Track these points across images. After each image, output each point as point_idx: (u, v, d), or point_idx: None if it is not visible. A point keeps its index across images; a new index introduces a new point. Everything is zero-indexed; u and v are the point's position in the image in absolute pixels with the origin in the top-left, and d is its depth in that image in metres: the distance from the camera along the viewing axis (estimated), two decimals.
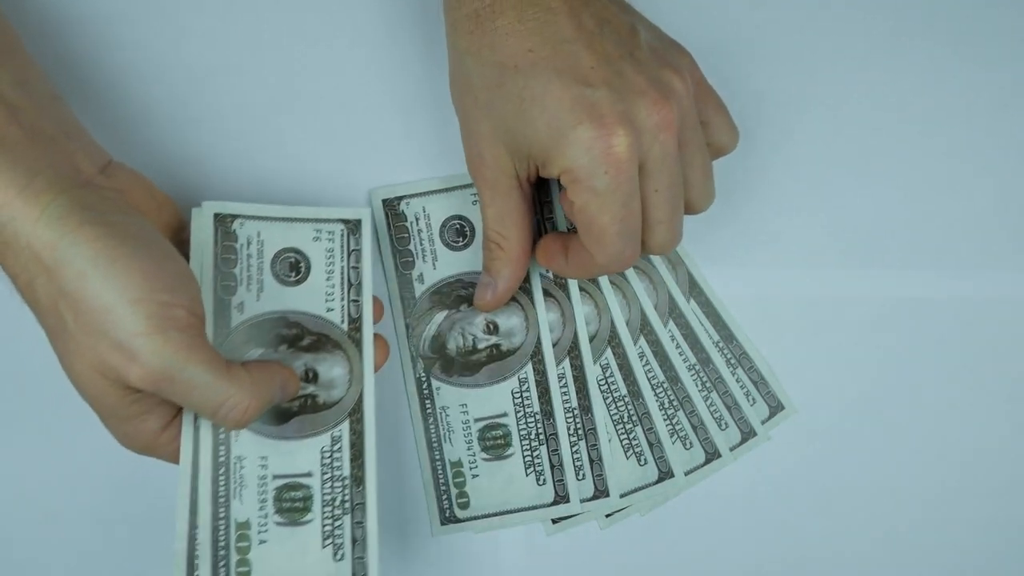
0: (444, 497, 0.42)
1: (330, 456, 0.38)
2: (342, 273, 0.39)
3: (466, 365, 0.43)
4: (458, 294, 0.43)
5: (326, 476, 0.37)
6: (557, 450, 0.43)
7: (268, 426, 0.37)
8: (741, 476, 0.44)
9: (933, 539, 0.44)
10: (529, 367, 0.42)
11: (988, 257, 0.45)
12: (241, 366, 0.35)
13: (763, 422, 0.44)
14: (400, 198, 0.43)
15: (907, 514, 0.44)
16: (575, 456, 0.43)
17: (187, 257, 0.37)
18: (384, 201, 0.43)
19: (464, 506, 0.42)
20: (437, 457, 0.42)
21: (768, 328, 0.45)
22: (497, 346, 0.43)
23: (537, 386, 0.43)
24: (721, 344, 0.45)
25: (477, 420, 0.42)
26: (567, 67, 0.34)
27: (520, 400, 0.42)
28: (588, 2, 0.36)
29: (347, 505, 0.37)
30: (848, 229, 0.45)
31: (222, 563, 0.36)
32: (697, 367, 0.44)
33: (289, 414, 0.38)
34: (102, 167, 0.35)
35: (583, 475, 0.43)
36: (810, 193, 0.45)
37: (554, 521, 0.43)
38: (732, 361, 0.45)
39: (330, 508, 0.37)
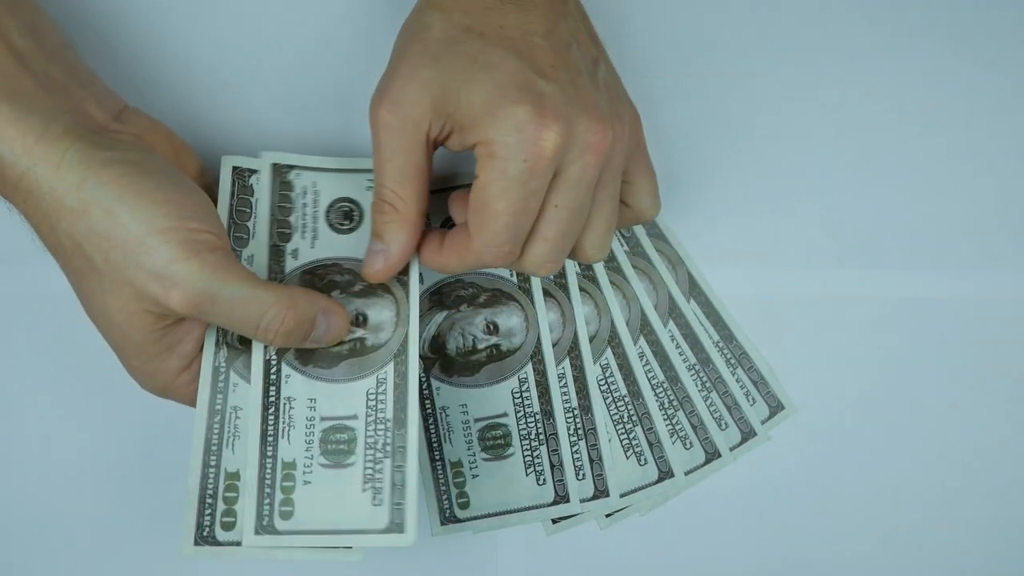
0: (444, 497, 0.42)
1: (375, 398, 0.38)
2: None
3: (466, 365, 0.43)
4: (457, 294, 0.43)
5: (370, 418, 0.37)
6: (557, 450, 0.43)
7: (319, 368, 0.38)
8: (741, 476, 0.44)
9: (933, 539, 0.44)
10: (529, 367, 0.42)
11: (988, 257, 0.45)
12: (281, 284, 0.36)
13: (763, 422, 0.44)
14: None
15: (907, 514, 0.44)
16: (575, 456, 0.43)
17: (215, 201, 0.38)
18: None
19: (464, 506, 0.42)
20: (437, 457, 0.42)
21: (768, 328, 0.45)
22: (497, 346, 0.43)
23: (537, 386, 0.43)
24: (721, 344, 0.45)
25: (477, 420, 0.42)
26: (529, 54, 0.34)
27: (520, 400, 0.42)
28: (567, 16, 0.36)
29: (388, 448, 0.37)
30: (848, 229, 0.45)
31: (267, 501, 0.36)
32: (697, 367, 0.44)
33: (340, 357, 0.38)
34: (116, 114, 0.36)
35: (583, 475, 0.43)
36: (810, 193, 0.45)
37: (554, 521, 0.43)
38: (732, 361, 0.45)
39: (372, 451, 0.37)
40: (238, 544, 0.36)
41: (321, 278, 0.39)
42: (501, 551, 0.43)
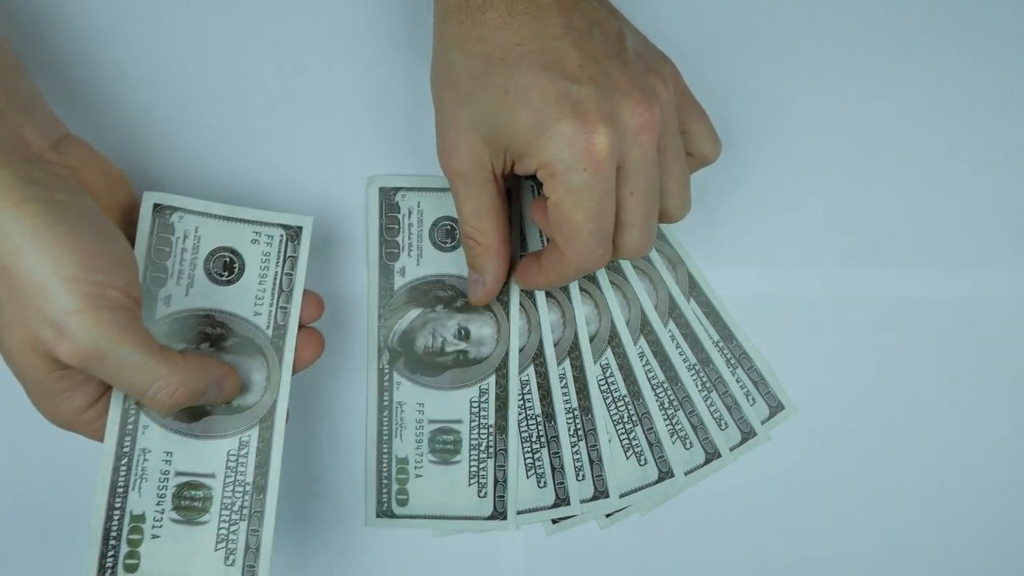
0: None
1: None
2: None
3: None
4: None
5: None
6: (558, 452, 0.43)
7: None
8: (741, 476, 0.44)
9: (933, 539, 0.44)
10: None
11: (988, 257, 0.45)
12: (177, 352, 0.35)
13: (763, 422, 0.44)
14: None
15: (907, 514, 0.44)
16: (575, 457, 0.43)
17: (133, 240, 0.37)
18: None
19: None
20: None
21: (768, 328, 0.45)
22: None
23: (539, 388, 0.43)
24: (721, 344, 0.45)
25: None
26: (554, 62, 0.34)
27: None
28: (578, 2, 0.36)
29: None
30: (848, 229, 0.45)
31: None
32: (697, 367, 0.44)
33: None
34: (55, 142, 0.35)
35: (583, 476, 0.43)
36: (810, 193, 0.45)
37: (554, 521, 0.43)
38: (732, 361, 0.45)
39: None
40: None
41: (425, 293, 0.42)
42: (501, 551, 0.43)
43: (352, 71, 0.44)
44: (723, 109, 0.45)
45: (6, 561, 0.42)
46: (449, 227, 0.43)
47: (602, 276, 0.44)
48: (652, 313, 0.44)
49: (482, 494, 0.42)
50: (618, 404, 0.44)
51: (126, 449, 0.37)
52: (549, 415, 0.43)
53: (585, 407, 0.43)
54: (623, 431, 0.43)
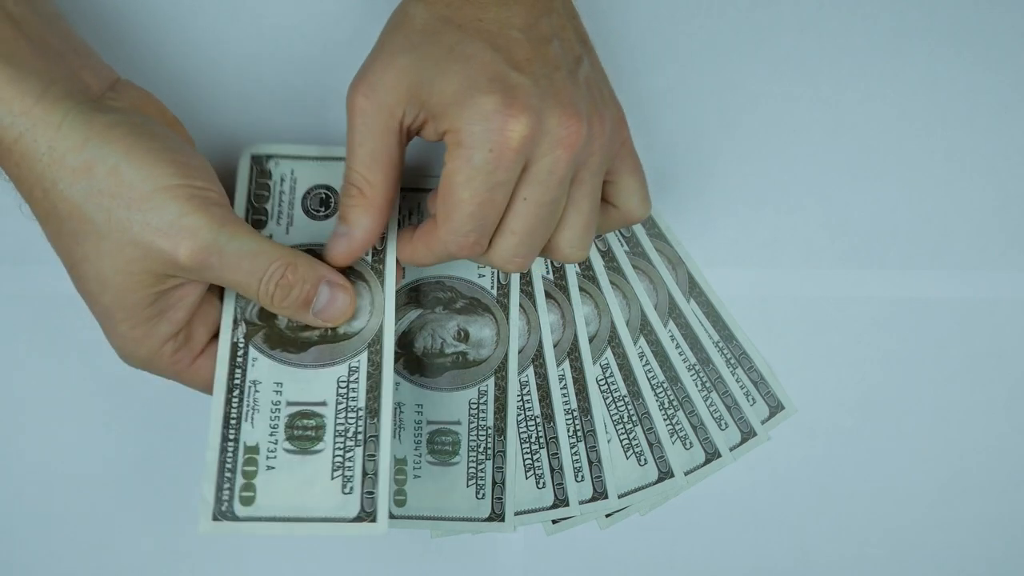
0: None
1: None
2: None
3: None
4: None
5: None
6: (557, 453, 0.43)
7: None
8: (741, 476, 0.44)
9: (933, 539, 0.44)
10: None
11: (988, 258, 0.45)
12: (286, 246, 0.36)
13: (763, 422, 0.44)
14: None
15: (907, 514, 0.44)
16: (574, 458, 0.43)
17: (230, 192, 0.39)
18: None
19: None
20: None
21: (768, 328, 0.45)
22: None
23: (538, 389, 0.43)
24: (721, 344, 0.45)
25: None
26: (504, 47, 0.34)
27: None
28: (551, 12, 0.36)
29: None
30: (848, 229, 0.45)
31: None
32: (697, 367, 0.44)
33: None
34: (111, 84, 0.36)
35: (582, 477, 0.43)
36: (810, 193, 0.45)
37: (554, 522, 0.43)
38: (732, 361, 0.45)
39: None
40: (258, 520, 0.35)
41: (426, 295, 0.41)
42: (501, 551, 0.43)
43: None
44: (723, 110, 0.45)
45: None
46: (324, 195, 0.40)
47: (602, 276, 0.44)
48: (652, 313, 0.44)
49: (480, 495, 0.42)
50: (618, 404, 0.44)
51: (237, 381, 0.37)
52: (548, 416, 0.43)
53: (584, 408, 0.43)
54: (623, 431, 0.44)
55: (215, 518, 0.35)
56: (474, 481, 0.42)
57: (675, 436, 0.44)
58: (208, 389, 0.37)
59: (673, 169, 0.45)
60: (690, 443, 0.44)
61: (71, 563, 0.43)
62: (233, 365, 0.37)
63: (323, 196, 0.40)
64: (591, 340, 0.44)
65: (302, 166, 0.40)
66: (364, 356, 0.37)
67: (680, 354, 0.44)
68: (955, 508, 0.44)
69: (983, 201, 0.45)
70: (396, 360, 0.42)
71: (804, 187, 0.45)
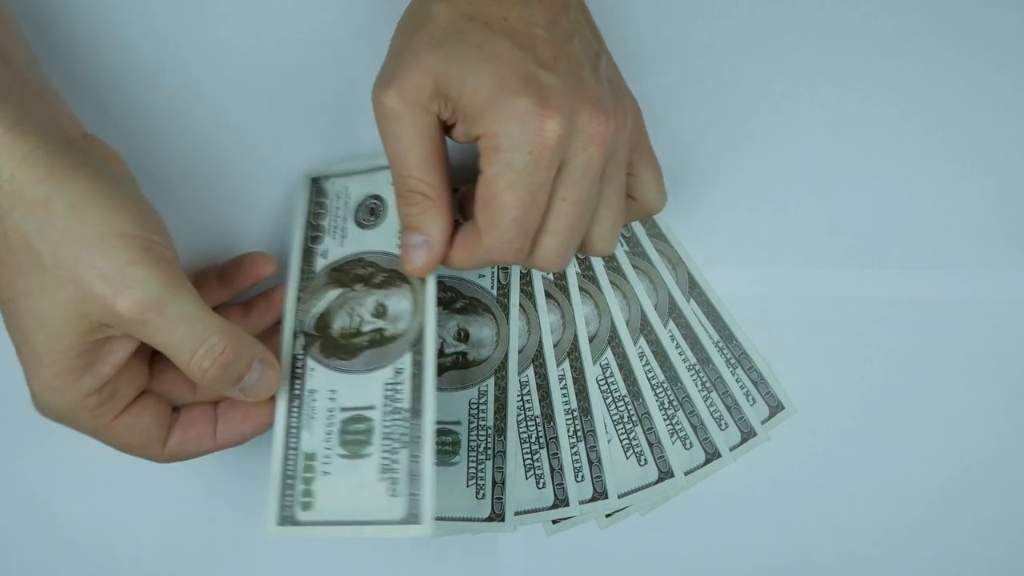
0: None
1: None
2: None
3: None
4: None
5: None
6: (557, 453, 0.43)
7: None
8: (741, 476, 0.44)
9: (933, 539, 0.44)
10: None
11: (988, 257, 0.45)
12: (224, 319, 0.34)
13: (763, 422, 0.44)
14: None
15: (907, 514, 0.44)
16: (574, 458, 0.43)
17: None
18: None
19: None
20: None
21: (768, 328, 0.45)
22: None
23: (538, 389, 0.43)
24: (721, 344, 0.45)
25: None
26: (531, 46, 0.34)
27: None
28: (568, 9, 0.36)
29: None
30: (848, 229, 0.45)
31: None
32: (697, 367, 0.44)
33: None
34: (82, 134, 0.36)
35: (582, 477, 0.43)
36: (810, 193, 0.45)
37: (554, 522, 0.43)
38: (732, 361, 0.45)
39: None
40: (316, 524, 0.36)
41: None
42: (501, 551, 0.43)
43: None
44: (723, 109, 0.45)
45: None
46: (372, 205, 0.41)
47: (602, 276, 0.44)
48: (652, 313, 0.44)
49: (480, 495, 0.42)
50: (618, 404, 0.44)
51: (296, 391, 0.38)
52: (548, 416, 0.43)
53: (584, 408, 0.43)
54: (623, 431, 0.44)
55: (280, 523, 0.36)
56: (474, 481, 0.42)
57: (675, 436, 0.44)
58: (127, 449, 0.36)
59: (673, 169, 0.45)
60: (690, 443, 0.44)
61: (72, 563, 0.43)
62: (293, 376, 0.38)
63: (372, 206, 0.41)
64: (591, 340, 0.44)
65: (354, 181, 0.41)
66: (408, 357, 0.38)
67: (680, 354, 0.44)
68: (955, 508, 0.44)
69: (983, 201, 0.45)
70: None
71: (804, 187, 0.45)
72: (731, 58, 0.45)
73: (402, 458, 0.37)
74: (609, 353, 0.44)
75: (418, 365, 0.38)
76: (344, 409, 0.38)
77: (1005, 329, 0.45)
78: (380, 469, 0.37)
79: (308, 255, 0.41)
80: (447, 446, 0.42)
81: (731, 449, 0.44)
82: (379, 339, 0.38)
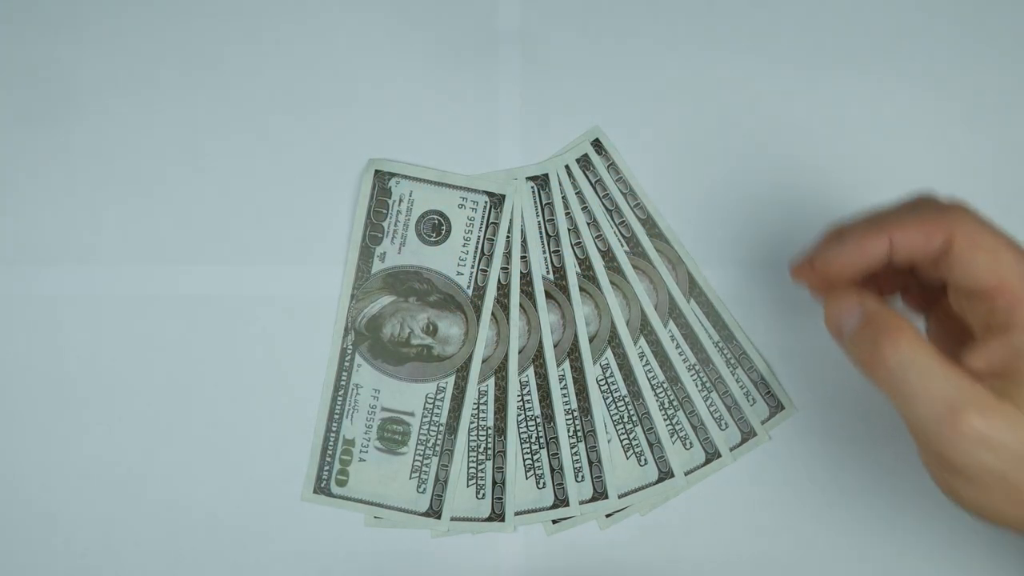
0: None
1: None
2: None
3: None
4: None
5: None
6: (557, 454, 0.43)
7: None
8: (741, 476, 0.44)
9: (933, 539, 0.44)
10: (452, 379, 0.43)
11: None
12: None
13: (763, 422, 0.44)
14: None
15: (907, 514, 0.44)
16: (575, 458, 0.43)
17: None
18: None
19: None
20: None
21: (768, 328, 0.45)
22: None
23: (538, 389, 0.43)
24: (721, 344, 0.45)
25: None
26: None
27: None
28: None
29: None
30: None
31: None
32: (697, 367, 0.44)
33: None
34: None
35: (582, 477, 0.43)
36: (810, 193, 0.45)
37: (554, 521, 0.43)
38: (732, 361, 0.45)
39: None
40: (347, 499, 0.42)
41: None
42: (501, 551, 0.43)
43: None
44: (723, 109, 0.45)
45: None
46: (436, 221, 0.43)
47: (602, 276, 0.44)
48: (652, 313, 0.44)
49: (480, 495, 0.42)
50: (618, 404, 0.44)
51: (343, 382, 0.42)
52: (548, 416, 0.43)
53: (584, 408, 0.43)
54: (623, 431, 0.44)
55: (315, 492, 0.42)
56: (474, 481, 0.42)
57: (675, 436, 0.44)
58: None
59: (673, 169, 0.45)
60: (690, 443, 0.44)
61: (71, 563, 0.43)
62: (340, 368, 0.42)
63: (435, 222, 0.43)
64: (591, 340, 0.44)
65: (420, 188, 0.43)
66: (452, 379, 0.42)
67: (680, 354, 0.44)
68: (955, 508, 0.44)
69: (983, 201, 0.45)
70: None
71: (804, 187, 0.45)
72: (731, 58, 0.45)
73: (432, 464, 0.42)
74: (609, 353, 0.44)
75: (460, 389, 0.42)
76: (385, 409, 0.42)
77: None
78: (412, 468, 0.42)
79: (366, 253, 0.43)
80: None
81: (731, 449, 0.44)
82: (426, 355, 0.43)
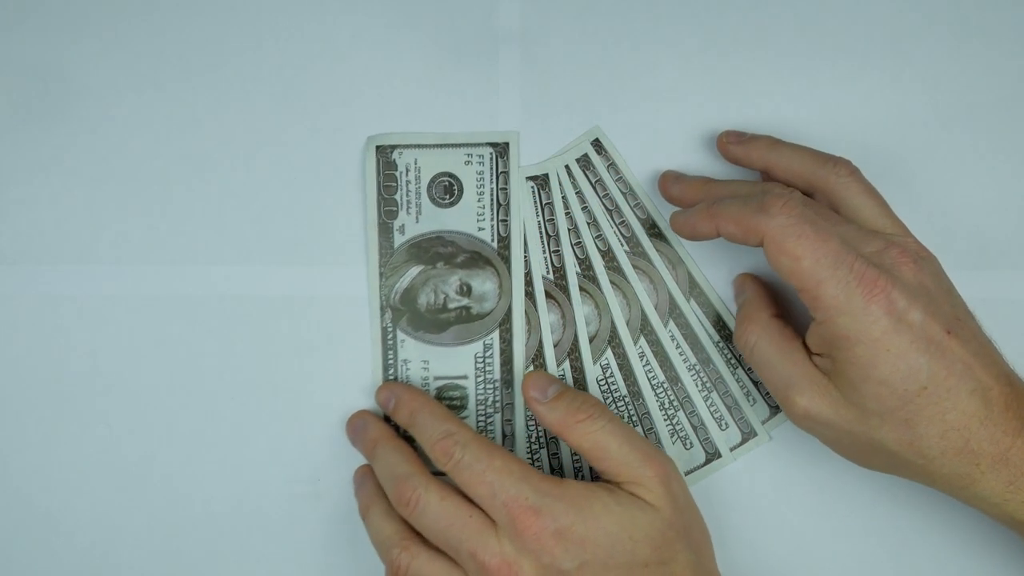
0: None
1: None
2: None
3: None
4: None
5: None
6: (557, 453, 0.43)
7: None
8: (741, 476, 0.44)
9: (933, 539, 0.44)
10: (496, 334, 0.43)
11: (988, 257, 0.45)
12: None
13: (763, 422, 0.44)
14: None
15: (907, 514, 0.44)
16: (574, 459, 0.43)
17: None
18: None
19: None
20: None
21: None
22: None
23: (501, 354, 0.43)
24: (721, 344, 0.45)
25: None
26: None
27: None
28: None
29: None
30: None
31: None
32: (697, 367, 0.44)
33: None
34: None
35: (583, 477, 0.43)
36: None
37: None
38: (732, 361, 0.45)
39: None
40: None
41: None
42: None
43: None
44: (723, 109, 0.45)
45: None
46: (447, 183, 0.43)
47: (602, 276, 0.44)
48: (652, 313, 0.44)
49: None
50: (618, 404, 0.44)
51: (390, 361, 0.43)
52: None
53: (509, 447, 0.43)
54: (554, 459, 0.44)
55: None
56: (483, 435, 0.42)
57: (675, 436, 0.44)
58: None
59: (673, 169, 0.45)
60: (690, 443, 0.44)
61: (71, 563, 0.43)
62: (385, 348, 0.43)
63: (446, 184, 0.43)
64: (591, 340, 0.44)
65: (424, 154, 0.43)
66: (496, 334, 0.43)
67: (680, 354, 0.44)
68: (955, 507, 0.44)
69: (983, 201, 0.45)
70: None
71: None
72: (731, 58, 0.45)
73: (496, 421, 0.43)
74: (609, 353, 0.44)
75: (506, 341, 0.42)
76: (438, 378, 0.43)
77: (1005, 329, 0.45)
78: (477, 429, 0.42)
79: (385, 230, 0.43)
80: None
81: (731, 449, 0.44)
82: (466, 316, 0.43)
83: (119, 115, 0.44)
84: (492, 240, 0.43)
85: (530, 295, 0.43)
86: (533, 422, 0.43)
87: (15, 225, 0.44)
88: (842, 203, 0.39)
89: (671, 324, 0.44)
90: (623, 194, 0.44)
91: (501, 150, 0.43)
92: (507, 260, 0.43)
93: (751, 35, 0.45)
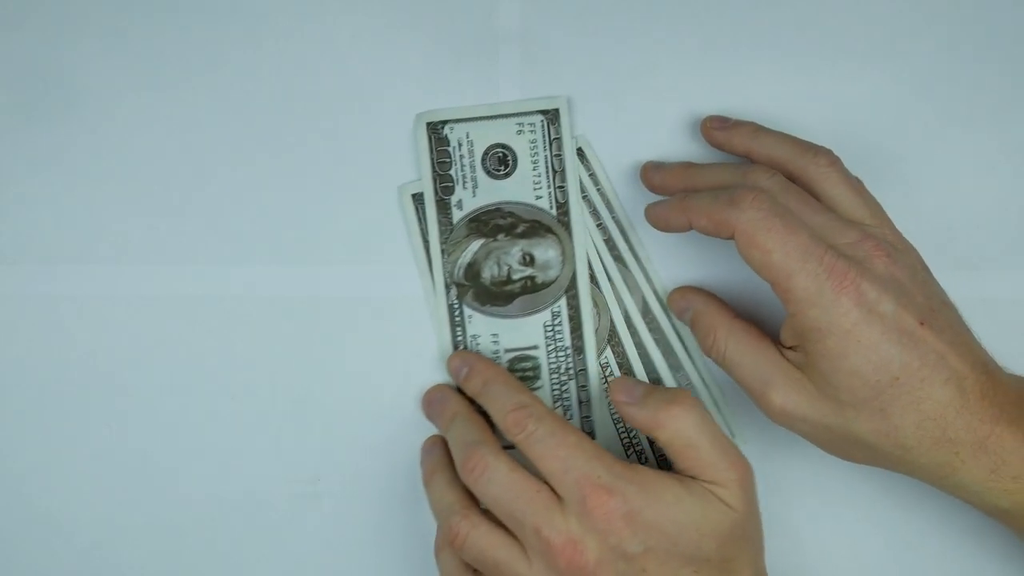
0: None
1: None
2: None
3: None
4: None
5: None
6: (586, 386, 0.43)
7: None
8: None
9: (933, 539, 0.44)
10: (563, 301, 0.43)
11: (988, 257, 0.45)
12: None
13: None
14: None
15: (907, 514, 0.44)
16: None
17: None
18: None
19: None
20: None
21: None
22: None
23: (570, 320, 0.43)
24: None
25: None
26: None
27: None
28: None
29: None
30: None
31: None
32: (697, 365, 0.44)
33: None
34: None
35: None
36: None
37: None
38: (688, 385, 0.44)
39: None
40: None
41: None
42: None
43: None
44: (723, 110, 0.45)
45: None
46: (501, 154, 0.43)
47: (602, 276, 0.44)
48: (655, 303, 0.44)
49: (568, 417, 0.43)
50: None
51: (459, 338, 0.43)
52: (579, 349, 0.43)
53: (585, 414, 0.43)
54: (623, 430, 0.44)
55: None
56: (559, 403, 0.43)
57: None
58: None
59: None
60: None
61: (71, 563, 0.43)
62: (453, 325, 0.43)
63: (500, 155, 0.43)
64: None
65: (475, 127, 0.43)
66: (563, 301, 0.43)
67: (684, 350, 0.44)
68: (955, 507, 0.44)
69: (983, 201, 0.45)
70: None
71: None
72: (731, 58, 0.45)
73: (571, 388, 0.43)
74: (609, 353, 0.44)
75: (574, 308, 0.42)
76: (508, 350, 0.43)
77: (1005, 329, 0.45)
78: (552, 399, 0.43)
79: (443, 207, 0.43)
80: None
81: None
82: (531, 286, 0.43)
83: (119, 115, 0.44)
84: (551, 207, 0.43)
85: (567, 226, 0.43)
86: (560, 356, 0.43)
87: (15, 225, 0.44)
88: (822, 193, 0.39)
89: (672, 320, 0.44)
90: (604, 203, 0.44)
91: (552, 117, 0.43)
92: (567, 226, 0.43)
93: (751, 35, 0.45)
